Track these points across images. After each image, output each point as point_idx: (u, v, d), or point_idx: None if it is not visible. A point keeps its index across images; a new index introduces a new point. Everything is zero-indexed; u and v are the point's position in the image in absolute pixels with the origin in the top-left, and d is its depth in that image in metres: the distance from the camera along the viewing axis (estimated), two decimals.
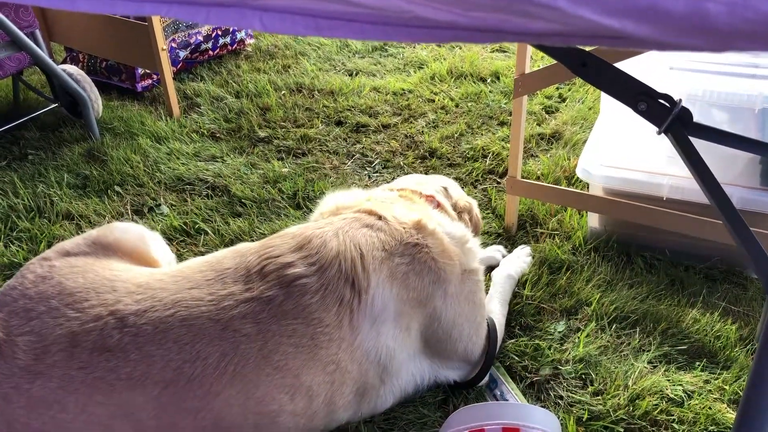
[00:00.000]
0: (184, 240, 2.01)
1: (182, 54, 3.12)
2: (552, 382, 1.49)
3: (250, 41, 3.51)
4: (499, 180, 2.29)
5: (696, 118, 1.02)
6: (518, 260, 1.82)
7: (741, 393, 1.42)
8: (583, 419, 1.40)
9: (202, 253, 1.91)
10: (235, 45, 3.42)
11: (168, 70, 2.71)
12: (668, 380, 1.47)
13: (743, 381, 1.46)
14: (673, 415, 1.40)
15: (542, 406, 1.43)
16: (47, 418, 1.12)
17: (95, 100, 2.68)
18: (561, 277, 1.79)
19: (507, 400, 1.44)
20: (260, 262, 1.27)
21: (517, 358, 1.55)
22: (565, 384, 1.49)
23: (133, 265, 1.40)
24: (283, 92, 2.98)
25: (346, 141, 2.59)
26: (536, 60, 3.20)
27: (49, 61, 2.47)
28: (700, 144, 1.03)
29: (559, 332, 1.62)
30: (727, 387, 1.46)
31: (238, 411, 1.17)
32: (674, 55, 1.80)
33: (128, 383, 1.13)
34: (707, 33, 0.39)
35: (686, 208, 1.70)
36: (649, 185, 1.76)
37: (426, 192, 1.56)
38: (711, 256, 1.83)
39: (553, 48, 1.02)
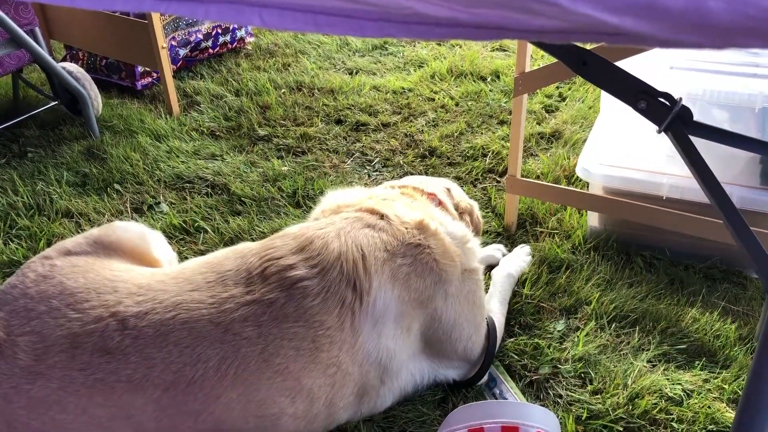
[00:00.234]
0: (184, 238, 2.01)
1: (182, 52, 3.11)
2: (551, 381, 1.49)
3: (250, 39, 3.51)
4: (498, 179, 2.29)
5: (696, 118, 1.02)
6: (518, 259, 1.82)
7: (740, 392, 1.42)
8: (583, 418, 1.40)
9: (202, 252, 1.91)
10: (235, 43, 3.42)
11: (168, 68, 2.70)
12: (667, 379, 1.47)
13: (742, 380, 1.46)
14: (672, 414, 1.40)
15: (541, 405, 1.43)
16: (47, 419, 1.12)
17: (95, 98, 2.67)
18: (560, 276, 1.79)
19: (506, 399, 1.44)
20: (261, 263, 1.27)
21: (516, 356, 1.55)
22: (564, 383, 1.49)
23: (134, 265, 1.39)
24: (283, 91, 2.98)
25: (346, 139, 2.59)
26: (536, 59, 3.20)
27: (49, 58, 2.47)
28: (699, 143, 1.03)
29: (559, 331, 1.62)
30: (726, 386, 1.46)
31: (238, 414, 1.17)
32: (674, 54, 1.80)
33: (128, 385, 1.13)
34: (707, 29, 0.39)
35: (686, 208, 1.70)
36: (649, 184, 1.75)
37: (428, 190, 1.55)
38: (710, 255, 1.83)
39: (554, 46, 1.01)
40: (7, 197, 2.19)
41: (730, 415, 1.39)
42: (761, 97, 1.61)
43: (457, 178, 2.29)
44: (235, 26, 3.36)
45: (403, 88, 2.98)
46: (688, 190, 1.70)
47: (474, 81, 3.03)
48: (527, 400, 1.45)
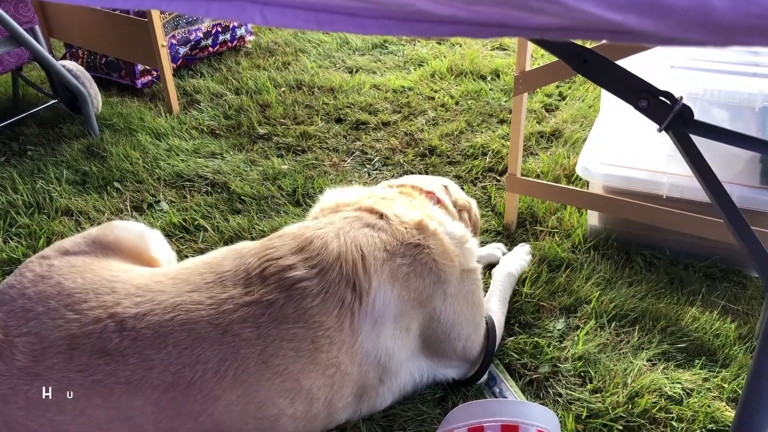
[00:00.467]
0: (183, 236, 2.01)
1: (182, 50, 3.11)
2: (551, 380, 1.49)
3: (250, 38, 3.50)
4: (498, 178, 2.29)
5: (696, 117, 1.02)
6: (518, 258, 1.82)
7: (740, 391, 1.42)
8: (582, 417, 1.40)
9: (202, 250, 1.91)
10: (235, 42, 3.42)
11: (168, 67, 2.70)
12: (667, 378, 1.47)
13: (742, 379, 1.46)
14: (672, 413, 1.40)
15: (541, 404, 1.43)
16: (45, 420, 1.11)
17: (95, 97, 2.67)
18: (560, 275, 1.79)
19: (506, 398, 1.44)
20: (260, 264, 1.26)
21: (516, 355, 1.55)
22: (564, 381, 1.49)
23: (133, 265, 1.39)
24: (282, 89, 2.98)
25: (346, 138, 2.59)
26: (537, 58, 3.20)
27: (49, 56, 2.47)
28: (700, 142, 1.03)
29: (559, 330, 1.62)
30: (726, 385, 1.46)
31: (237, 415, 1.17)
32: (675, 53, 1.80)
33: (127, 387, 1.12)
34: (711, 27, 0.39)
35: (686, 207, 1.70)
36: (649, 183, 1.75)
37: (426, 188, 1.55)
38: (710, 254, 1.83)
39: (555, 44, 1.01)
40: (6, 195, 2.19)
41: (729, 414, 1.39)
42: (761, 96, 1.61)
43: (457, 177, 2.29)
44: (235, 25, 3.36)
45: (403, 87, 2.98)
46: (689, 189, 1.70)
47: (474, 80, 3.03)
48: (527, 398, 1.45)
